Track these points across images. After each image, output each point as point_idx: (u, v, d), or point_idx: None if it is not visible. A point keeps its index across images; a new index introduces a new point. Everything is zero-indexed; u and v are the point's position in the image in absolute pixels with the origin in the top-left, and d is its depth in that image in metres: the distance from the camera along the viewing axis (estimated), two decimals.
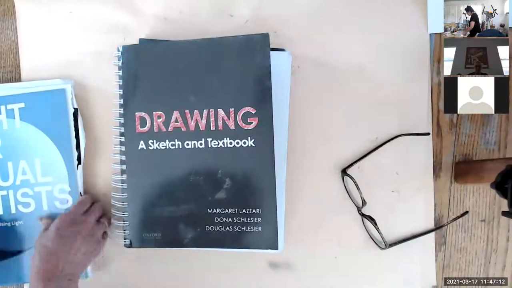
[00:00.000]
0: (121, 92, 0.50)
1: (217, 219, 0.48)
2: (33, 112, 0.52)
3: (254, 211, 0.47)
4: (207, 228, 0.48)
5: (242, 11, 0.53)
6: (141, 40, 0.52)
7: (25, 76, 0.54)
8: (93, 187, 0.54)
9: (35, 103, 0.52)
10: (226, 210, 0.47)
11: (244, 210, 0.47)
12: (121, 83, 0.50)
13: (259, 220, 0.47)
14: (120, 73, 0.50)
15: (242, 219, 0.47)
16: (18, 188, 0.53)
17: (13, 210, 0.53)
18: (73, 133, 0.52)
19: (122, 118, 0.49)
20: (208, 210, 0.48)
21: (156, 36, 0.53)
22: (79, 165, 0.52)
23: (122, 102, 0.49)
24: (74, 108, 0.52)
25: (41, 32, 0.54)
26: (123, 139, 0.49)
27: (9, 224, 0.53)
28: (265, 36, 0.47)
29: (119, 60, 0.50)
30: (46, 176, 0.52)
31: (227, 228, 0.48)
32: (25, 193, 0.53)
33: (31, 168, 0.52)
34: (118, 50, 0.50)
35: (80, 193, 0.52)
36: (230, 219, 0.47)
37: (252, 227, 0.47)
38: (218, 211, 0.48)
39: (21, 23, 0.55)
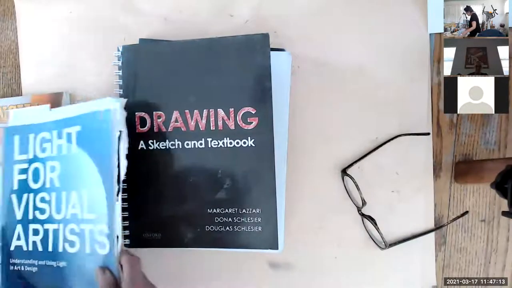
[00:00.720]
0: (121, 92, 0.50)
1: (217, 219, 0.48)
2: (86, 136, 0.45)
3: (254, 211, 0.47)
4: (207, 228, 0.48)
5: (242, 11, 0.53)
6: (141, 40, 0.52)
7: (25, 76, 0.54)
8: None
9: (88, 126, 0.45)
10: (226, 210, 0.47)
11: (244, 210, 0.47)
12: (121, 83, 0.50)
13: (259, 220, 0.47)
14: (120, 73, 0.50)
15: (242, 219, 0.47)
16: (68, 223, 0.46)
17: (60, 248, 0.46)
18: (116, 162, 0.43)
19: None
20: (208, 210, 0.48)
21: (156, 36, 0.53)
22: (117, 202, 0.43)
23: None
24: (119, 131, 0.43)
25: (41, 32, 0.54)
26: None
27: (55, 265, 0.46)
28: (265, 36, 0.47)
29: (119, 60, 0.50)
30: (91, 212, 0.44)
31: (227, 228, 0.48)
32: (72, 230, 0.45)
33: (80, 200, 0.45)
34: (118, 50, 0.50)
35: (117, 236, 0.43)
36: (230, 219, 0.47)
37: (252, 227, 0.47)
38: (218, 211, 0.48)
39: (21, 23, 0.55)
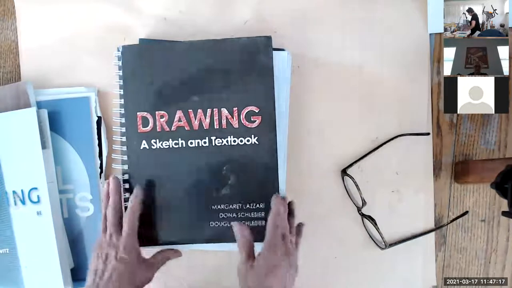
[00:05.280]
0: (122, 92, 0.49)
1: (221, 215, 0.48)
2: (55, 119, 0.51)
3: (258, 205, 0.48)
4: (211, 224, 0.48)
5: (242, 11, 0.53)
6: (141, 40, 0.52)
7: (25, 76, 0.54)
8: None
9: (58, 110, 0.52)
10: (231, 206, 0.48)
11: (248, 205, 0.48)
12: (121, 83, 0.49)
13: (262, 214, 0.48)
14: (120, 73, 0.50)
15: (246, 214, 0.48)
16: None
17: None
18: (96, 141, 0.51)
19: (123, 118, 0.49)
20: (213, 206, 0.48)
21: (156, 36, 0.53)
22: (101, 173, 0.51)
23: (122, 102, 0.49)
24: (98, 117, 0.52)
25: (41, 32, 0.54)
26: (124, 139, 0.49)
27: None
28: (268, 39, 0.48)
29: (119, 60, 0.50)
30: (67, 184, 0.52)
31: (232, 223, 0.48)
32: None
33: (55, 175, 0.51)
34: (118, 50, 0.50)
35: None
36: (234, 214, 0.48)
37: (256, 222, 0.48)
38: (222, 207, 0.48)
39: (21, 23, 0.55)
